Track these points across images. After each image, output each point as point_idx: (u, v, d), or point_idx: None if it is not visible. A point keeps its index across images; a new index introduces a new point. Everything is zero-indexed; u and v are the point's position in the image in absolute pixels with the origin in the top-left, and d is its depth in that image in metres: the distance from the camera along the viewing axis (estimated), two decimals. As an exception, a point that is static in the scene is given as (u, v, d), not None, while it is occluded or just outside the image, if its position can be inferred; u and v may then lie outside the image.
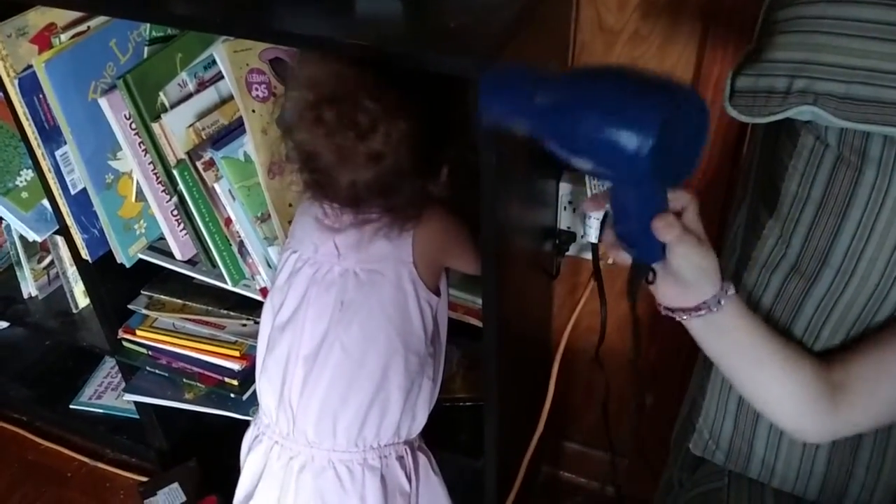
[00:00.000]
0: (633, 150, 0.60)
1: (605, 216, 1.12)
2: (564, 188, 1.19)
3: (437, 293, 1.03)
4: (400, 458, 1.06)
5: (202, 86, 1.07)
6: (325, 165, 0.88)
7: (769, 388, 0.82)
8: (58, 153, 1.13)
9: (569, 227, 1.23)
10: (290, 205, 1.09)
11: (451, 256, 1.04)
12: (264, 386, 1.04)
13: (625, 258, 0.76)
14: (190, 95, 1.07)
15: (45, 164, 1.13)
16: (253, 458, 1.08)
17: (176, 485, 1.54)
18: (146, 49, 1.09)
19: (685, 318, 0.77)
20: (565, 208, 1.21)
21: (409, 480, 1.08)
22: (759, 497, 1.00)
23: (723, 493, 1.02)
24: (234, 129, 1.05)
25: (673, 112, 0.60)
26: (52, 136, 1.11)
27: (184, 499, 1.51)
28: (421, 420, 1.07)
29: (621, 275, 1.30)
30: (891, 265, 0.80)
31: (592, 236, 1.17)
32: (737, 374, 0.83)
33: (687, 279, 0.74)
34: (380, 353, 0.99)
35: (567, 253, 1.25)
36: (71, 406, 1.71)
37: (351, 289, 0.98)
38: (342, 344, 0.98)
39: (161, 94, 1.04)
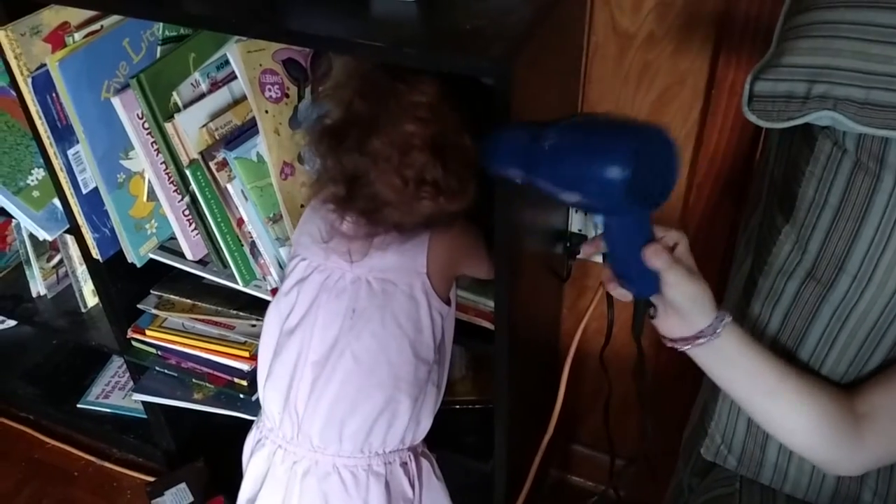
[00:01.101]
0: (613, 179, 0.69)
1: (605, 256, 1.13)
2: (576, 191, 1.19)
3: (448, 302, 1.02)
4: (404, 465, 1.06)
5: (215, 86, 1.07)
6: (378, 198, 0.88)
7: (785, 419, 0.83)
8: (70, 152, 1.12)
9: (580, 230, 1.23)
10: (302, 206, 1.09)
11: (464, 265, 1.04)
12: (270, 391, 1.04)
13: (625, 295, 0.81)
14: (203, 95, 1.06)
15: (57, 163, 1.13)
16: (256, 462, 1.07)
17: (183, 485, 1.53)
18: (159, 49, 1.08)
19: (687, 347, 0.80)
20: (576, 211, 1.21)
21: (413, 486, 1.07)
22: (772, 502, 0.99)
23: (734, 498, 1.01)
24: (246, 130, 1.05)
25: (643, 144, 0.70)
26: (64, 135, 1.11)
27: (191, 499, 1.51)
28: (425, 426, 1.06)
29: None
30: (908, 272, 0.79)
31: (604, 240, 1.16)
32: (749, 405, 0.84)
33: (682, 309, 0.78)
34: (391, 363, 0.98)
35: (577, 256, 1.25)
36: (78, 405, 1.71)
37: (363, 297, 0.97)
38: (353, 352, 0.98)
39: (174, 93, 1.04)
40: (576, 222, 1.22)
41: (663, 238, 0.77)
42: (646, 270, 0.76)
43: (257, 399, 1.28)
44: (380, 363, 0.98)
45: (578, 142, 0.74)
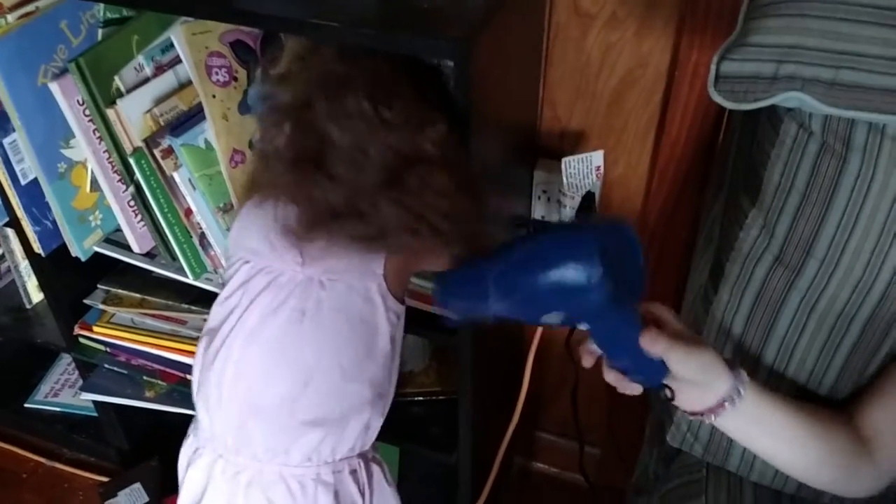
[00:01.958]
0: (587, 283, 0.68)
1: (582, 208, 1.11)
2: (539, 176, 1.17)
3: (403, 301, 0.97)
4: (353, 472, 1.00)
5: (160, 70, 1.02)
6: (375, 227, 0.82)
7: (806, 462, 0.81)
8: (6, 141, 1.06)
9: (543, 217, 1.20)
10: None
11: (423, 262, 0.98)
12: (204, 403, 0.97)
13: (637, 388, 0.78)
14: (147, 80, 1.01)
15: (-8, 153, 1.07)
16: (193, 474, 1.00)
17: (138, 485, 1.49)
18: (100, 31, 1.03)
19: (714, 419, 0.77)
20: (539, 197, 1.19)
21: (363, 494, 1.01)
22: (739, 490, 0.99)
23: (701, 484, 1.01)
24: (193, 115, 1.00)
25: (604, 239, 0.70)
26: (-1, 124, 1.05)
27: (146, 499, 1.47)
28: (375, 430, 1.00)
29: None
30: (875, 256, 0.78)
31: (567, 226, 1.14)
32: (771, 456, 0.82)
33: (697, 380, 0.75)
34: (344, 369, 0.92)
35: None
36: (26, 405, 1.65)
37: (314, 299, 0.90)
38: (303, 358, 0.91)
39: (116, 78, 0.99)
40: (539, 209, 1.19)
41: (648, 316, 0.76)
42: (648, 359, 0.74)
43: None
44: (332, 369, 0.92)
45: (538, 260, 0.72)
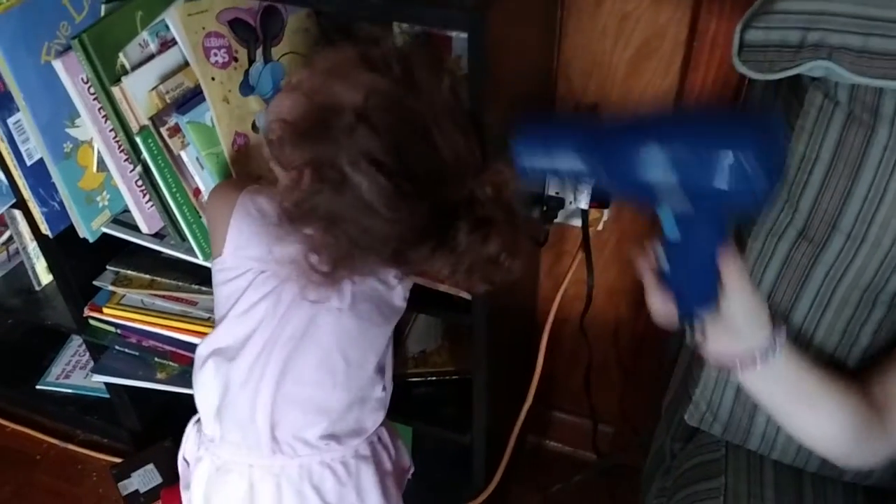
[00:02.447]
0: (745, 172, 0.59)
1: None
2: (553, 152, 1.14)
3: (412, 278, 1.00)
4: (380, 439, 1.04)
5: (165, 46, 0.99)
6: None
7: (823, 428, 0.79)
8: (10, 121, 1.05)
9: (557, 193, 1.18)
10: (261, 177, 1.02)
11: None
12: (234, 420, 0.96)
13: (672, 317, 0.74)
14: (152, 56, 0.99)
15: (-3, 133, 1.05)
16: (228, 490, 0.99)
17: (151, 466, 1.49)
18: (103, 7, 1.00)
19: (741, 372, 0.74)
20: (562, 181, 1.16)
21: (391, 457, 1.06)
22: (759, 468, 0.97)
23: (720, 463, 0.99)
24: (200, 92, 0.98)
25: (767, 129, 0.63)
26: (2, 103, 1.03)
27: (160, 480, 1.46)
28: (390, 392, 1.04)
29: (609, 241, 1.27)
30: (903, 229, 0.76)
31: (583, 202, 1.12)
32: (789, 418, 0.80)
33: (738, 324, 0.72)
34: (376, 353, 0.96)
35: (555, 220, 1.20)
36: (37, 386, 1.64)
37: (348, 295, 0.92)
38: (347, 351, 0.93)
39: (121, 55, 0.96)
40: (553, 185, 1.17)
41: None
42: (709, 281, 0.69)
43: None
44: (369, 354, 0.96)
45: (690, 123, 0.64)
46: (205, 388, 0.98)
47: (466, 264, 0.80)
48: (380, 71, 0.76)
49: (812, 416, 0.78)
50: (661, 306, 0.74)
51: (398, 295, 0.96)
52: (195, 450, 1.04)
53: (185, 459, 1.09)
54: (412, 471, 1.14)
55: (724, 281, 0.69)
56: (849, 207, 0.77)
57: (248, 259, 0.92)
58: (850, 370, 0.85)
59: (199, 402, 1.00)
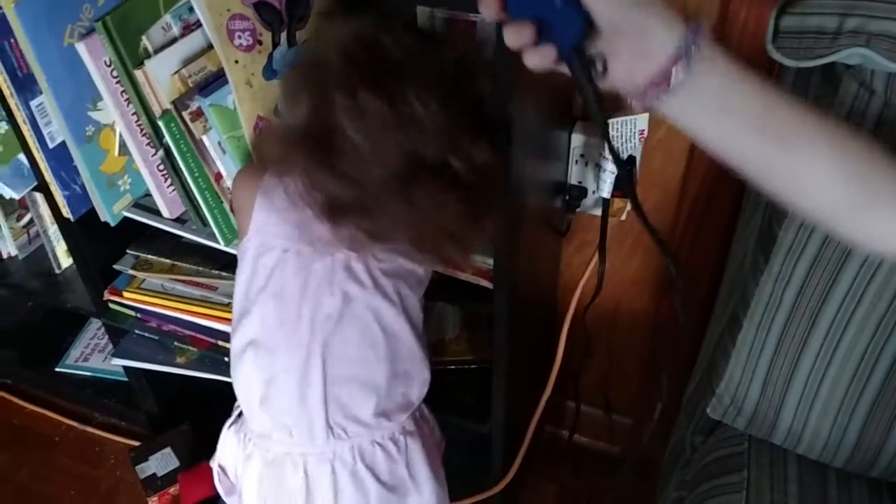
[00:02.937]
0: None
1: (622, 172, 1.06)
2: (577, 140, 1.13)
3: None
4: (422, 414, 1.06)
5: (188, 29, 0.99)
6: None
7: (810, 172, 0.57)
8: (33, 103, 1.04)
9: (580, 182, 1.17)
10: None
11: None
12: (282, 408, 0.96)
13: (546, 55, 0.56)
14: (175, 40, 0.98)
15: (20, 116, 1.04)
16: (287, 481, 0.99)
17: (168, 450, 1.49)
18: (126, -11, 1.00)
19: (663, 96, 0.54)
20: (577, 162, 1.15)
21: (432, 430, 1.08)
22: (782, 463, 0.96)
23: (743, 458, 0.98)
24: (222, 76, 0.97)
25: None
26: (26, 85, 1.02)
27: (177, 464, 1.47)
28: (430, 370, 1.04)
29: (631, 231, 1.26)
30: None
31: (606, 191, 1.10)
32: (759, 165, 0.57)
33: (630, 30, 0.53)
34: (411, 323, 0.96)
35: (577, 210, 1.19)
36: (57, 369, 1.65)
37: (375, 271, 0.93)
38: (381, 327, 0.94)
39: (143, 38, 0.96)
40: (575, 174, 1.16)
41: None
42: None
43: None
44: (405, 330, 0.96)
45: None
46: (246, 380, 0.97)
47: (423, 222, 0.81)
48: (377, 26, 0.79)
49: (788, 155, 0.56)
50: (531, 49, 0.56)
51: (422, 270, 0.97)
52: (240, 451, 1.03)
53: (220, 467, 1.08)
54: (444, 444, 1.14)
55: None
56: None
57: (274, 237, 0.93)
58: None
59: (242, 396, 1.00)
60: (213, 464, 1.09)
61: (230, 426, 1.06)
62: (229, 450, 1.06)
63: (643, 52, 0.53)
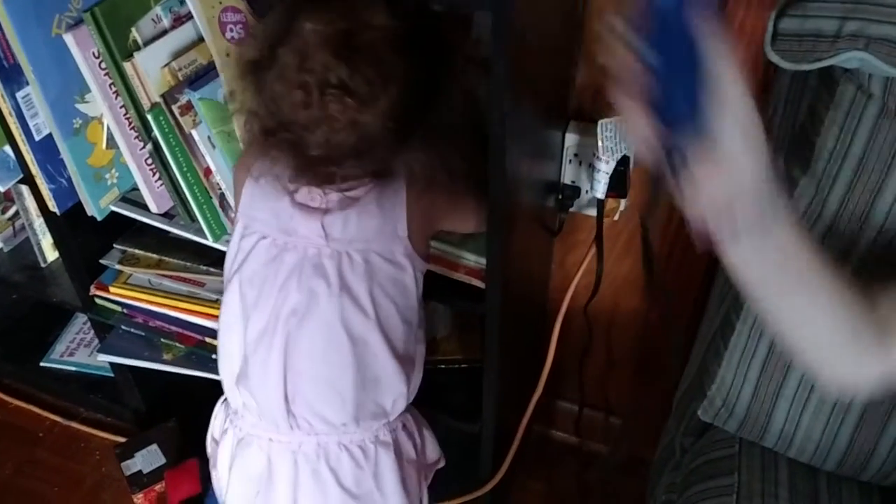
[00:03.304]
0: None
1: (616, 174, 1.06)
2: (570, 139, 1.12)
3: (427, 259, 0.97)
4: (405, 426, 1.02)
5: (178, 21, 0.97)
6: (294, 123, 0.80)
7: (817, 315, 0.65)
8: (19, 95, 1.03)
9: (573, 182, 1.16)
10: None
11: (447, 222, 0.98)
12: (252, 388, 0.95)
13: (649, 138, 0.55)
14: (165, 32, 0.97)
15: (6, 107, 1.03)
16: (247, 461, 0.99)
17: (154, 446, 1.47)
18: (116, -21, 0.98)
19: (737, 227, 0.57)
20: (570, 161, 1.14)
21: (415, 446, 1.04)
22: (773, 467, 0.96)
23: (734, 461, 0.98)
24: (212, 69, 0.96)
25: None
26: (12, 76, 1.01)
27: (163, 461, 1.45)
28: (417, 382, 1.02)
29: (624, 231, 1.25)
30: (935, 227, 0.74)
31: (600, 191, 1.10)
32: (778, 298, 0.65)
33: (732, 147, 0.53)
34: (384, 333, 0.93)
35: (570, 209, 1.18)
36: (41, 364, 1.62)
37: (347, 272, 0.90)
38: (347, 331, 0.91)
39: (133, 30, 0.94)
40: (569, 174, 1.15)
41: None
42: (698, 92, 0.51)
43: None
44: (377, 335, 0.92)
45: None
46: (229, 355, 0.97)
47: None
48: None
49: (806, 299, 0.64)
50: (642, 123, 0.54)
51: (409, 275, 0.93)
52: (222, 425, 1.03)
53: (213, 438, 1.07)
54: (442, 464, 1.12)
55: (717, 82, 0.52)
56: (880, 203, 0.75)
57: (255, 220, 0.93)
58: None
59: (222, 369, 0.99)
60: (208, 434, 1.09)
61: (223, 401, 1.05)
62: (218, 423, 1.06)
63: (730, 173, 0.55)
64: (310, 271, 0.90)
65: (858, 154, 0.75)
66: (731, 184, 0.55)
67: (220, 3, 0.90)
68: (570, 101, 1.14)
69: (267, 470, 0.97)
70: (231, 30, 0.92)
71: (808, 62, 0.70)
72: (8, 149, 1.15)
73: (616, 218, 1.19)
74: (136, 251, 1.27)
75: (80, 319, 1.69)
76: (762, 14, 0.72)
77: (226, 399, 1.03)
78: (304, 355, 0.92)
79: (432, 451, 1.10)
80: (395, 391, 0.97)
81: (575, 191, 1.16)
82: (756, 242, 0.59)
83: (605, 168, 1.06)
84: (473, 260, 1.02)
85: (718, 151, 0.53)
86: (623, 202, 1.16)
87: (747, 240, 0.59)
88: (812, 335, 0.67)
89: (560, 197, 1.17)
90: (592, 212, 1.16)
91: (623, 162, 1.06)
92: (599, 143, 1.02)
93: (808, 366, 0.70)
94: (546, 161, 1.11)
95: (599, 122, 1.00)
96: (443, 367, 1.23)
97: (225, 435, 1.02)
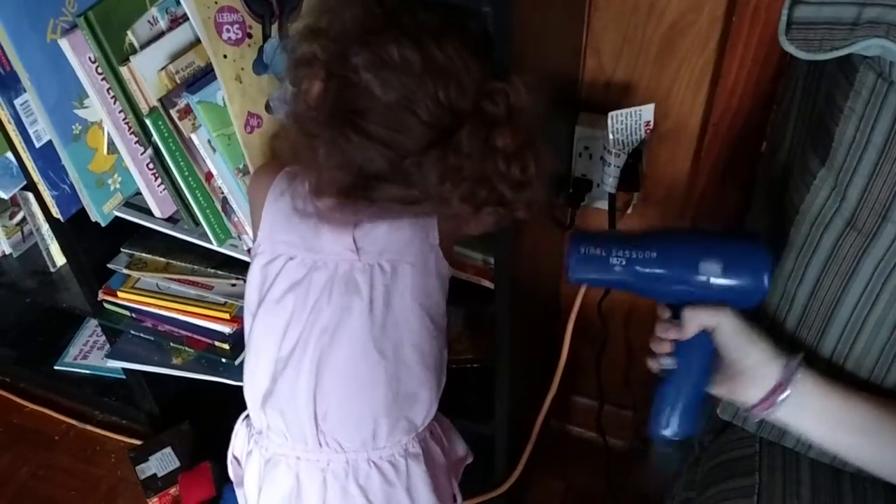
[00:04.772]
0: (753, 290, 0.77)
1: (628, 166, 1.03)
2: (581, 132, 1.09)
3: (454, 264, 0.94)
4: (433, 433, 0.99)
5: (175, 23, 0.95)
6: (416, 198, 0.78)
7: (875, 452, 0.76)
8: (17, 102, 1.01)
9: (584, 175, 1.13)
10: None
11: (472, 225, 0.94)
12: (280, 408, 0.92)
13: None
14: (162, 34, 0.95)
15: (5, 115, 1.02)
16: (277, 482, 0.96)
17: (169, 449, 1.47)
18: (111, -19, 0.96)
19: (770, 412, 0.76)
20: (580, 154, 1.11)
21: (444, 450, 1.02)
22: (795, 467, 0.93)
23: (754, 460, 0.95)
24: (210, 71, 0.93)
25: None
26: (8, 83, 0.99)
27: (177, 464, 1.45)
28: (442, 386, 0.99)
29: (639, 225, 1.22)
30: (961, 220, 0.70)
31: (611, 185, 1.07)
32: (850, 452, 0.78)
33: (739, 368, 0.76)
34: (417, 345, 0.90)
35: (581, 203, 1.15)
36: (56, 367, 1.63)
37: (379, 285, 0.86)
38: (382, 346, 0.88)
39: (129, 33, 0.92)
40: (580, 167, 1.12)
41: None
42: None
43: (240, 363, 1.21)
44: (411, 349, 0.90)
45: (706, 252, 0.78)
46: (255, 377, 0.94)
47: (470, 173, 0.74)
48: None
49: (868, 446, 0.76)
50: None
51: (438, 284, 0.91)
52: (245, 445, 1.01)
53: (234, 457, 1.06)
54: (470, 459, 1.09)
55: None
56: (902, 196, 0.72)
57: (279, 243, 0.89)
58: None
59: (247, 391, 0.97)
60: (229, 453, 1.07)
61: (243, 419, 1.04)
62: (240, 442, 1.04)
63: (748, 382, 0.76)
64: (342, 288, 0.87)
65: (880, 144, 0.71)
66: (749, 389, 0.77)
67: (216, 3, 0.88)
68: (579, 91, 1.11)
69: (296, 489, 0.94)
70: (228, 30, 0.89)
71: (824, 51, 0.67)
72: (9, 155, 1.14)
73: (629, 212, 1.17)
74: (144, 255, 1.26)
75: (93, 322, 1.69)
76: (776, 1, 0.69)
77: (247, 417, 1.01)
78: (335, 373, 0.89)
79: (460, 448, 1.08)
80: (427, 403, 0.94)
81: (587, 184, 1.13)
82: (788, 408, 0.75)
83: (616, 161, 1.03)
84: (482, 259, 1.00)
85: (726, 372, 0.78)
86: (636, 196, 1.14)
87: (780, 410, 0.75)
88: (877, 463, 0.77)
89: (571, 191, 1.15)
90: (604, 205, 1.13)
91: (634, 155, 1.03)
92: (610, 136, 0.99)
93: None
94: (556, 154, 1.08)
95: (610, 114, 0.97)
96: (454, 367, 1.20)
97: (250, 456, 0.99)
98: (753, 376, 0.75)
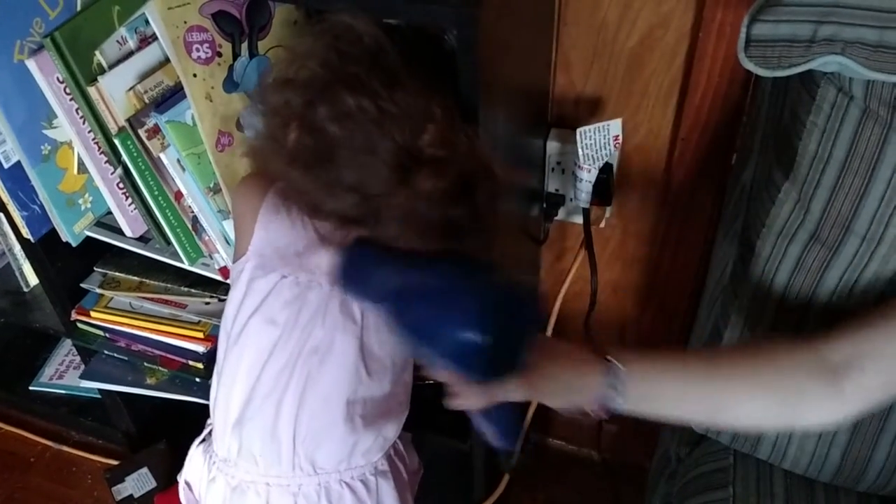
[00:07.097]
0: (469, 348, 0.68)
1: (599, 181, 1.04)
2: (552, 147, 1.10)
3: None
4: (396, 450, 1.00)
5: (144, 42, 0.95)
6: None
7: (750, 408, 0.72)
8: (-16, 122, 1.00)
9: (557, 190, 1.14)
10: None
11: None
12: (255, 431, 0.92)
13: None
14: (131, 53, 0.94)
15: (-28, 136, 1.01)
16: None
17: (145, 469, 1.45)
18: (79, 2, 0.96)
19: (608, 413, 0.72)
20: (553, 170, 1.12)
21: (406, 466, 1.02)
22: (769, 478, 0.93)
23: (728, 473, 0.95)
24: (180, 90, 0.93)
25: (500, 306, 0.69)
26: (-24, 104, 0.99)
27: (154, 484, 1.43)
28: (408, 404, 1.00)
29: (611, 239, 1.23)
30: (923, 232, 0.71)
31: (583, 200, 1.07)
32: (708, 417, 0.77)
33: (559, 385, 0.74)
34: (398, 364, 0.92)
35: (555, 217, 1.16)
36: (31, 387, 1.61)
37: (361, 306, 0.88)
38: (367, 368, 0.89)
39: (97, 53, 0.92)
40: (553, 182, 1.13)
41: None
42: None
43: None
44: (388, 367, 0.91)
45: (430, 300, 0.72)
46: (226, 399, 0.93)
47: (426, 210, 0.76)
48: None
49: (733, 403, 0.72)
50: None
51: None
52: (205, 472, 0.99)
53: (186, 483, 1.04)
54: (422, 471, 1.10)
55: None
56: (864, 208, 0.73)
57: (272, 259, 0.88)
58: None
59: (218, 416, 0.95)
60: (181, 478, 1.05)
61: (199, 444, 1.02)
62: (195, 467, 1.02)
63: (573, 393, 0.73)
64: (335, 309, 0.87)
65: (841, 158, 0.72)
66: (576, 396, 0.73)
67: (185, 22, 0.88)
68: (550, 108, 1.12)
69: None
70: (197, 49, 0.89)
71: (782, 68, 0.68)
72: (-21, 175, 1.14)
73: (602, 225, 1.17)
74: (117, 274, 1.25)
75: (69, 342, 1.67)
76: (741, 16, 0.70)
77: (202, 443, 1.00)
78: (319, 395, 0.89)
79: (415, 461, 1.08)
80: (400, 419, 0.96)
81: (559, 199, 1.14)
82: (636, 398, 0.71)
83: (588, 176, 1.03)
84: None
85: (546, 389, 0.75)
86: (608, 209, 1.14)
87: (621, 406, 0.71)
88: (749, 421, 0.76)
89: (545, 205, 1.15)
90: (578, 219, 1.14)
91: (605, 169, 1.04)
92: (580, 152, 1.00)
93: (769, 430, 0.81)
94: (528, 170, 1.08)
95: (578, 130, 0.98)
96: (430, 382, 1.20)
97: (213, 483, 0.97)
98: (574, 387, 0.73)
